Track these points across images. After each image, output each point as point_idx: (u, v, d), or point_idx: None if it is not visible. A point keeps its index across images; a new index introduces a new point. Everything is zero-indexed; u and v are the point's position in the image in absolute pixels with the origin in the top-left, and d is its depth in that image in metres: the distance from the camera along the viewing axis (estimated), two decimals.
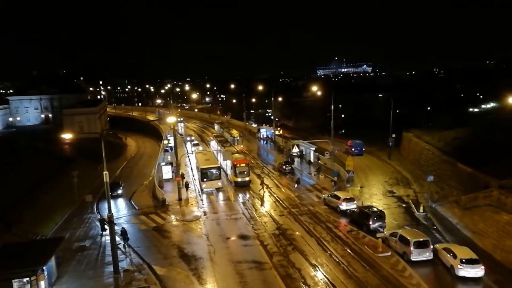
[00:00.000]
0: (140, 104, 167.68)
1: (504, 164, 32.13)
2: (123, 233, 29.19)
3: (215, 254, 27.29)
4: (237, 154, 48.39)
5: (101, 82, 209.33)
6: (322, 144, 56.66)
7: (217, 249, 28.01)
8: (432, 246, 25.54)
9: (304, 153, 56.89)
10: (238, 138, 69.29)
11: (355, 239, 29.25)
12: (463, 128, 47.18)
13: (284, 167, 49.88)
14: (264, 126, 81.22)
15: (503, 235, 26.02)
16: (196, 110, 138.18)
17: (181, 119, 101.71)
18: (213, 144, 62.72)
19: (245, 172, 43.21)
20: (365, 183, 43.41)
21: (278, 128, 77.15)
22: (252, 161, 52.75)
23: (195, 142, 71.35)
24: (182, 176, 43.31)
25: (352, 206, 34.37)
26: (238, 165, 43.21)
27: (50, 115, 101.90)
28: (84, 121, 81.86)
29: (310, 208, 36.26)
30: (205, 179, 41.45)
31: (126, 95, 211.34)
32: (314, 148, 55.76)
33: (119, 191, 42.62)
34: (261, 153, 64.45)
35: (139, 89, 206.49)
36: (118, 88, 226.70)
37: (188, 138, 75.59)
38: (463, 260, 23.01)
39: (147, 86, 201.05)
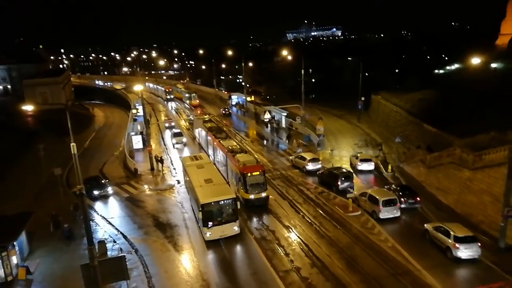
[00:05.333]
0: (106, 73, 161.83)
1: (466, 123, 33.50)
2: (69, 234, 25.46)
3: (190, 221, 27.57)
4: (242, 154, 31.61)
5: (62, 51, 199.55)
6: (293, 109, 56.97)
7: (192, 216, 28.26)
8: (399, 204, 26.85)
9: (275, 118, 57.17)
10: (193, 94, 77.38)
11: (326, 200, 30.21)
12: (429, 89, 48.45)
13: (223, 111, 66.89)
14: (235, 93, 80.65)
15: (464, 190, 27.54)
16: (164, 77, 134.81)
17: (172, 96, 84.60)
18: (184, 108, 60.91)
19: (261, 185, 28.77)
20: (335, 146, 44.34)
21: (250, 94, 76.74)
22: (224, 129, 52.51)
23: (177, 130, 52.64)
24: (157, 159, 39.38)
25: (318, 166, 35.96)
26: (249, 175, 28.39)
27: (9, 87, 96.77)
28: (47, 92, 78.27)
29: (282, 172, 36.91)
30: (210, 223, 23.79)
31: (90, 63, 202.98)
32: (285, 114, 56.14)
33: (109, 189, 33.33)
34: (233, 120, 64.25)
35: (104, 57, 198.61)
36: (82, 56, 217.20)
37: (167, 124, 58.77)
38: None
39: (113, 54, 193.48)
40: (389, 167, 36.47)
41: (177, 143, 48.11)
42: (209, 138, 40.21)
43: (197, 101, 76.51)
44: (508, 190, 21.68)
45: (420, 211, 28.16)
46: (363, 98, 56.68)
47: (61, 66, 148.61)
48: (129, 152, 44.14)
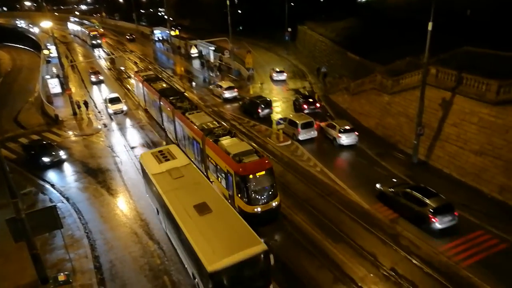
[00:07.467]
0: (5, 8, 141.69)
1: (387, 50, 35.18)
2: None
3: (122, 164, 26.87)
4: (227, 138, 21.63)
5: None
6: (221, 42, 55.40)
7: (123, 159, 27.51)
8: (316, 126, 29.23)
9: (203, 53, 55.36)
10: (96, 25, 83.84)
11: (258, 132, 30.98)
12: (352, 18, 49.43)
13: (127, 37, 74.84)
14: (158, 27, 75.93)
15: (384, 114, 29.70)
16: (76, 12, 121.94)
17: (98, 41, 68.82)
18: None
19: (268, 189, 19.31)
20: (265, 80, 44.62)
21: (174, 28, 72.63)
22: (149, 66, 49.88)
23: (113, 94, 38.01)
24: (78, 104, 36.39)
25: (234, 94, 38.50)
26: (250, 177, 18.80)
27: None
28: None
29: (214, 109, 36.69)
30: None
31: None
32: (213, 48, 54.46)
33: (61, 153, 27.62)
34: (158, 57, 61.14)
35: None
36: None
37: (94, 79, 46.40)
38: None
39: None
40: (316, 96, 37.79)
41: (115, 112, 36.00)
42: (161, 103, 29.98)
43: (101, 30, 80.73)
44: (421, 111, 23.74)
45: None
46: (289, 29, 56.51)
47: None
48: (47, 97, 40.58)
